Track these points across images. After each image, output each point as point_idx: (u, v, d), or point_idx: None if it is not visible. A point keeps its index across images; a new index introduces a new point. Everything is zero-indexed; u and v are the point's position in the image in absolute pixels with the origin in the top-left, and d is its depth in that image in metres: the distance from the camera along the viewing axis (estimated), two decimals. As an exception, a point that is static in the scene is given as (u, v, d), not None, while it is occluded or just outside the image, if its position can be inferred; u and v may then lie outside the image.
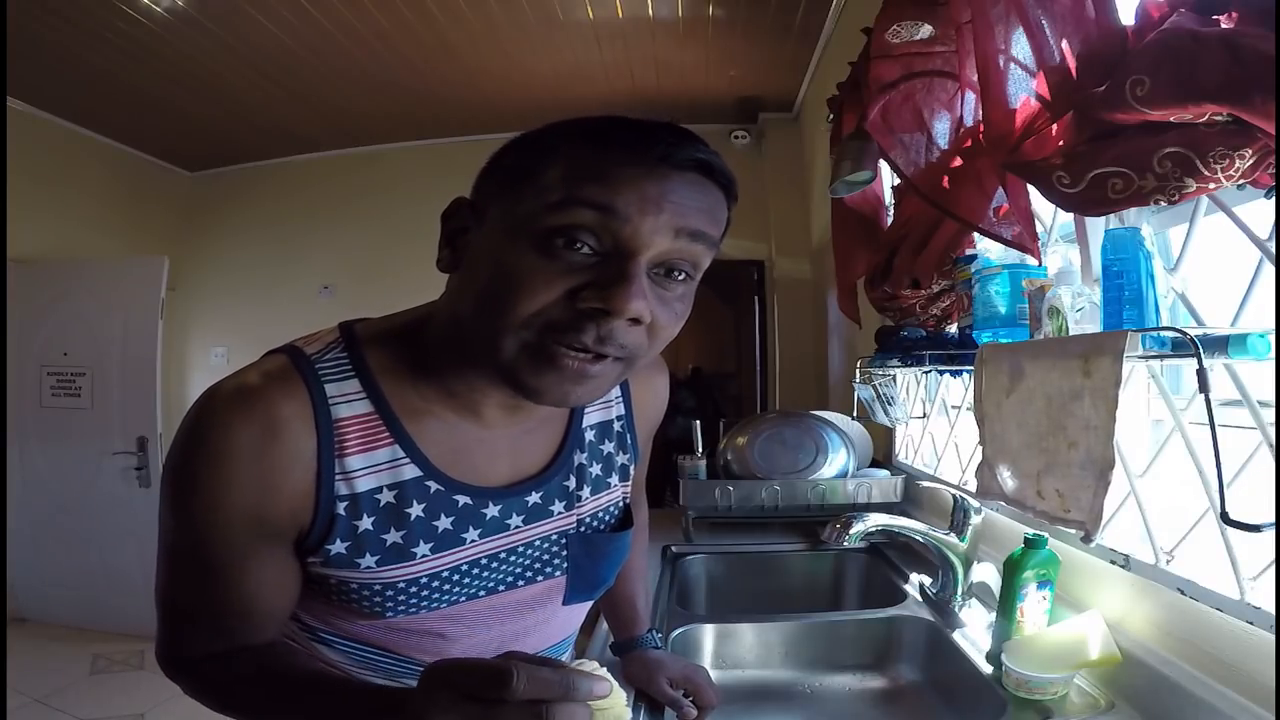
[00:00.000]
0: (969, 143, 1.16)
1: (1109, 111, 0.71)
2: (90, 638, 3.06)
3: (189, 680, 0.60)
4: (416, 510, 0.58)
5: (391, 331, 0.60)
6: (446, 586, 0.61)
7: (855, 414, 1.79)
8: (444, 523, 0.59)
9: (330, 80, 3.14)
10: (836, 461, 1.69)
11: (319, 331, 0.60)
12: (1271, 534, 0.60)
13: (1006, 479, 0.93)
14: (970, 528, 1.15)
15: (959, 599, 1.15)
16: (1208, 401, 0.63)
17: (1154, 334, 0.70)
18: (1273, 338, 0.61)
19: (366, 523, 0.56)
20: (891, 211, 1.75)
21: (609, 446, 0.71)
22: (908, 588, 1.27)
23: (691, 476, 1.68)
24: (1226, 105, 0.60)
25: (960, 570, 1.15)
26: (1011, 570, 0.92)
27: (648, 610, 0.94)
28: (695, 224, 0.49)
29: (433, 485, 0.58)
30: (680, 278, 0.51)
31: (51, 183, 3.40)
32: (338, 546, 0.56)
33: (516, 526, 0.63)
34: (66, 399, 3.25)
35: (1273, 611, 0.68)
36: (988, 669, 0.94)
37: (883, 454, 1.96)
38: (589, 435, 0.69)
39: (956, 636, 1.06)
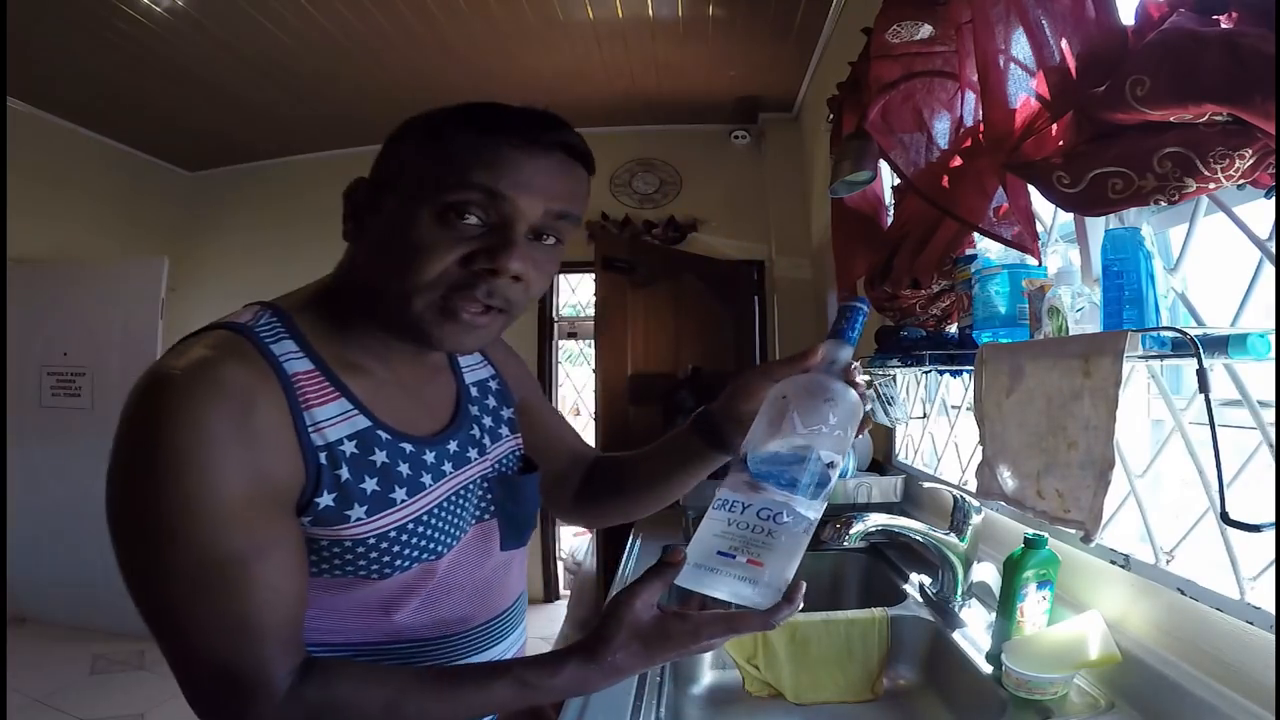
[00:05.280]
0: (969, 143, 1.15)
1: (1109, 111, 0.71)
2: (90, 638, 3.06)
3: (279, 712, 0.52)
4: (380, 457, 0.61)
5: (306, 299, 0.64)
6: (428, 532, 0.63)
7: (855, 414, 1.78)
8: (404, 468, 0.63)
9: (330, 80, 3.14)
10: (836, 461, 1.68)
11: (232, 312, 0.61)
12: (1271, 534, 0.60)
13: (1006, 479, 0.93)
14: (970, 528, 1.15)
15: (959, 599, 1.15)
16: (1208, 401, 0.63)
17: (1154, 334, 0.69)
18: (1273, 338, 0.61)
19: (345, 471, 0.58)
20: (891, 211, 1.75)
21: (491, 402, 0.79)
22: (908, 588, 1.27)
23: (691, 476, 1.67)
24: (1227, 105, 0.60)
25: (960, 570, 1.15)
26: (1011, 570, 0.92)
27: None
28: (560, 205, 0.60)
29: (383, 434, 0.62)
30: (549, 242, 0.62)
31: (51, 183, 3.40)
32: (326, 499, 0.57)
33: (451, 472, 0.68)
34: (66, 399, 3.25)
35: (1273, 611, 0.68)
36: (988, 669, 0.94)
37: (883, 454, 1.96)
38: (473, 391, 0.77)
39: (956, 636, 1.06)
